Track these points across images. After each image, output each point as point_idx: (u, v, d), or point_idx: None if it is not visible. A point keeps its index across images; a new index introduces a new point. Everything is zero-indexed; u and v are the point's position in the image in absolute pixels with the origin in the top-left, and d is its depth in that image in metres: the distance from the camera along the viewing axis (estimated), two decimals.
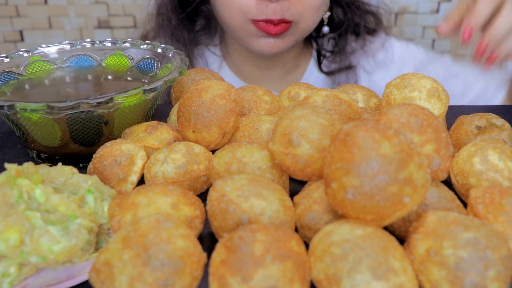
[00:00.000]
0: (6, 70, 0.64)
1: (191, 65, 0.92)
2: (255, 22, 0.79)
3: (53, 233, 0.37)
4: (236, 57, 0.95)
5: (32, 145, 0.57)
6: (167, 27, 0.91)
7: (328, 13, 0.90)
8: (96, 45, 0.70)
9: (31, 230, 0.37)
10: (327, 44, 0.94)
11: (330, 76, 0.95)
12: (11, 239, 0.36)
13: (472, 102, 0.90)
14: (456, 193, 0.48)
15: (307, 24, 0.82)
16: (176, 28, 0.91)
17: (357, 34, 0.93)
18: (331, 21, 0.92)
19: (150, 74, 0.66)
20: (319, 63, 0.95)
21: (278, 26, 0.79)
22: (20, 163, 0.43)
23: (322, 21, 0.91)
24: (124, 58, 0.69)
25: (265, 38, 0.82)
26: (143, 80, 0.65)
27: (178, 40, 0.92)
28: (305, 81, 0.96)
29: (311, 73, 0.96)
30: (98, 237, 0.42)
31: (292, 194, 0.46)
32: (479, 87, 0.90)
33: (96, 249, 0.41)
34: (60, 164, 0.45)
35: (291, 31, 0.81)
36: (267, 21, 0.78)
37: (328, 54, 0.94)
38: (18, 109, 0.49)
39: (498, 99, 0.88)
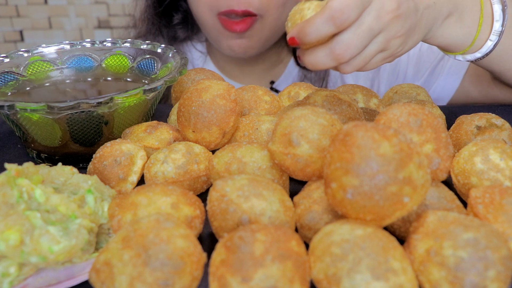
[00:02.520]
0: (6, 70, 0.64)
1: None
2: (220, 17, 0.79)
3: (53, 233, 0.37)
4: (218, 54, 0.96)
5: (32, 145, 0.57)
6: (145, 22, 0.92)
7: None
8: (96, 45, 0.71)
9: (31, 230, 0.37)
10: None
11: (309, 70, 0.94)
12: (11, 239, 0.36)
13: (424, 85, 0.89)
14: (456, 193, 0.48)
15: (274, 18, 0.81)
16: (153, 23, 0.91)
17: None
18: None
19: (150, 74, 0.66)
20: (295, 57, 0.95)
21: (241, 23, 0.78)
22: (20, 163, 0.43)
23: None
24: (124, 58, 0.69)
25: (234, 39, 0.82)
26: (143, 80, 0.65)
27: (156, 34, 0.92)
28: (286, 76, 0.96)
29: (294, 68, 0.96)
30: (98, 237, 0.42)
31: (292, 194, 0.46)
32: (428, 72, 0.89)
33: (96, 249, 0.41)
34: (60, 164, 0.45)
35: (258, 26, 0.81)
36: (231, 12, 0.78)
37: None
38: (18, 109, 0.49)
39: (453, 83, 0.86)
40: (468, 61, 0.63)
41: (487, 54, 0.61)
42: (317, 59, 0.47)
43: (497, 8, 0.59)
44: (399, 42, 0.50)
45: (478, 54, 0.61)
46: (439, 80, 0.87)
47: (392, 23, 0.47)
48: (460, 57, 0.62)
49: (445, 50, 0.62)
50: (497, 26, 0.59)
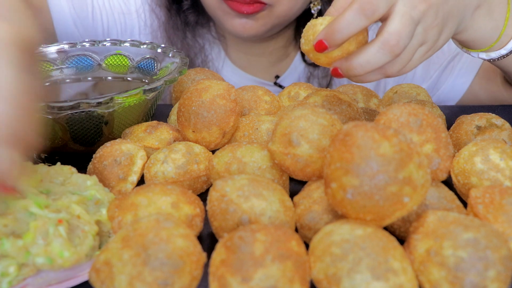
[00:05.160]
0: None
1: (188, 47, 0.92)
2: (226, 1, 0.78)
3: (66, 238, 0.37)
4: (226, 42, 0.95)
5: None
6: (163, 10, 0.91)
7: (318, 7, 0.88)
8: (96, 45, 0.70)
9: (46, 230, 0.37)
10: None
11: (316, 67, 0.94)
12: (21, 238, 0.37)
13: (432, 88, 0.89)
14: (456, 193, 0.48)
15: (284, 9, 0.80)
16: (169, 10, 0.90)
17: None
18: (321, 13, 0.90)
19: (150, 74, 0.66)
20: (302, 53, 0.94)
21: (250, 6, 0.77)
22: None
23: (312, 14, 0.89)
24: (124, 58, 0.69)
25: (238, 19, 0.80)
26: (143, 80, 0.65)
27: (174, 23, 0.91)
28: (292, 71, 0.96)
29: (299, 64, 0.96)
30: (100, 239, 0.42)
31: (292, 194, 0.46)
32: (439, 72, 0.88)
33: None
34: (59, 163, 0.45)
35: (265, 13, 0.80)
36: (238, 0, 0.77)
37: None
38: None
39: (462, 85, 0.86)
40: (491, 60, 0.62)
41: (511, 52, 0.60)
42: (369, 57, 0.46)
43: None
44: (436, 33, 0.49)
45: (503, 51, 0.60)
46: (448, 81, 0.87)
47: (427, 12, 0.47)
48: (483, 55, 0.61)
49: (470, 46, 0.61)
50: None
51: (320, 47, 0.46)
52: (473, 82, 0.84)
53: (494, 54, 0.61)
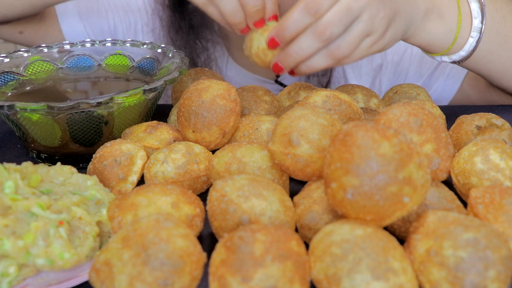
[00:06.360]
0: (6, 70, 0.64)
1: (193, 49, 0.92)
2: None
3: (66, 240, 0.37)
4: (228, 41, 0.95)
5: (32, 145, 0.57)
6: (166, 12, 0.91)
7: None
8: (96, 45, 0.70)
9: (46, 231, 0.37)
10: None
11: None
12: (21, 239, 0.37)
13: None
14: (456, 193, 0.48)
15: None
16: (174, 13, 0.91)
17: None
18: None
19: (150, 74, 0.66)
20: None
21: None
22: (20, 163, 0.43)
23: None
24: (124, 58, 0.69)
25: None
26: (143, 80, 0.65)
27: (177, 28, 0.91)
28: None
29: None
30: (100, 240, 0.42)
31: (292, 194, 0.46)
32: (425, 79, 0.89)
33: None
34: (59, 163, 0.45)
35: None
36: None
37: None
38: (18, 109, 0.49)
39: (453, 84, 0.87)
40: (454, 62, 0.63)
41: (471, 53, 0.61)
42: (300, 44, 0.49)
43: (475, 6, 0.60)
44: (383, 24, 0.50)
45: (462, 53, 0.62)
46: (439, 81, 0.88)
47: (372, 3, 0.49)
48: (445, 58, 0.63)
49: (429, 50, 0.62)
50: (476, 22, 0.60)
51: (273, 43, 0.51)
52: (463, 82, 0.85)
53: (455, 57, 0.62)
